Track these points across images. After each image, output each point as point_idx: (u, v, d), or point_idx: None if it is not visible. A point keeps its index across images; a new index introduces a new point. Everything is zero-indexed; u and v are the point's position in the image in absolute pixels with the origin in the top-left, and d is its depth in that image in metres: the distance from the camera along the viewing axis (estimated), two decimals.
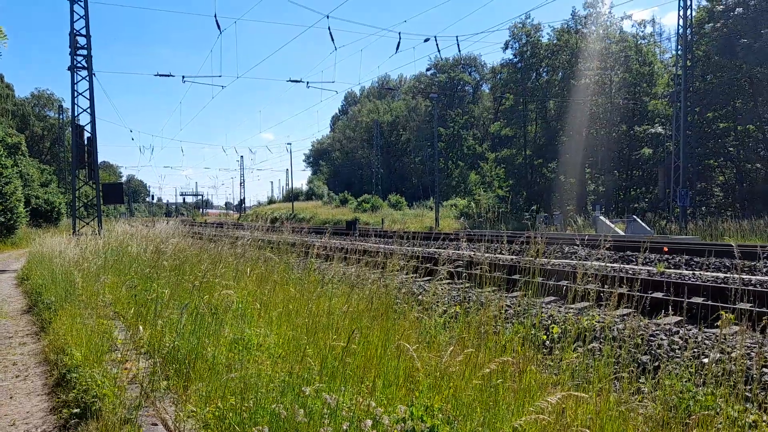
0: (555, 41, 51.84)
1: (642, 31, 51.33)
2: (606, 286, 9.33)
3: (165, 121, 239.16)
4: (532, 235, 7.16)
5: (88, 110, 25.90)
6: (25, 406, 5.35)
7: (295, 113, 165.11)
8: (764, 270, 13.32)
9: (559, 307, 9.09)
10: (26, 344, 7.81)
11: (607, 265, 14.21)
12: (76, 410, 4.73)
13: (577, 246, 18.81)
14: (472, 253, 15.55)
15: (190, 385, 4.62)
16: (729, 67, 37.46)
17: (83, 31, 25.33)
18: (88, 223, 27.34)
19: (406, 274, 7.61)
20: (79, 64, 25.48)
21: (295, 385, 3.90)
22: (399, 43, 31.60)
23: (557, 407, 3.98)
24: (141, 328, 5.29)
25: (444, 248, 19.40)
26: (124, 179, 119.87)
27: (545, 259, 15.13)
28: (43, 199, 42.12)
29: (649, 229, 29.24)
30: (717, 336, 6.95)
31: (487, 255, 12.44)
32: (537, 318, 6.22)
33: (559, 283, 10.15)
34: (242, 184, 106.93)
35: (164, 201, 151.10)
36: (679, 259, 15.48)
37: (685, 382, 4.81)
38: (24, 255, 20.45)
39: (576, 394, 3.50)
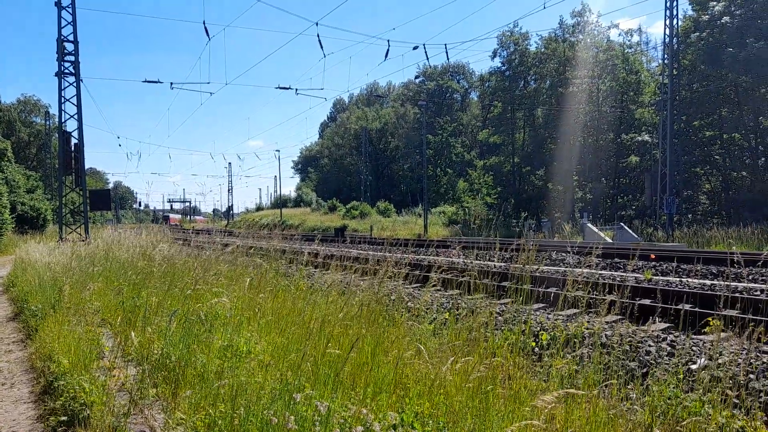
0: (543, 50, 52.19)
1: (629, 40, 51.87)
2: (594, 293, 9.38)
3: (153, 128, 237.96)
4: (522, 242, 7.20)
5: (75, 116, 25.80)
6: (12, 414, 5.30)
7: (284, 120, 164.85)
8: (750, 277, 13.44)
9: (548, 313, 9.12)
10: (12, 352, 7.74)
11: (596, 272, 14.28)
12: (63, 418, 4.69)
13: (566, 253, 18.89)
14: (462, 260, 15.59)
15: (180, 392, 4.60)
16: (715, 76, 37.84)
17: (71, 38, 25.24)
18: (74, 230, 27.17)
19: (396, 280, 7.62)
20: (66, 70, 25.38)
21: (286, 392, 3.89)
22: (388, 50, 31.73)
23: (547, 414, 3.99)
24: (133, 334, 5.26)
25: (434, 255, 19.44)
26: (110, 186, 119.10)
27: (534, 266, 15.19)
28: (29, 206, 41.76)
29: (636, 236, 29.42)
30: (705, 342, 7.00)
31: (476, 262, 12.48)
32: (527, 325, 6.24)
33: (548, 290, 10.20)
34: (230, 190, 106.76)
35: (151, 207, 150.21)
36: (667, 266, 15.58)
37: (673, 388, 4.84)
38: (9, 262, 20.27)
39: (572, 391, 3.51)
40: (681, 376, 5.30)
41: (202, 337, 5.48)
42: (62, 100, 25.53)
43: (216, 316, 6.05)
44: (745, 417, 4.57)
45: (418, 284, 12.30)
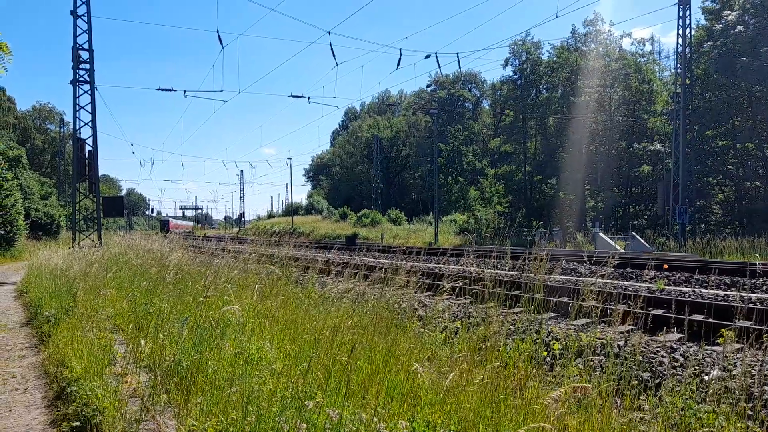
0: (555, 59, 52.12)
1: (641, 50, 51.71)
2: (607, 303, 9.32)
3: (166, 135, 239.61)
4: (535, 251, 7.17)
5: (90, 124, 26.00)
6: (25, 419, 5.33)
7: (296, 128, 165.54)
8: (764, 287, 13.31)
9: (561, 323, 9.08)
10: (25, 357, 7.78)
11: (608, 281, 14.20)
12: (75, 423, 4.71)
13: (578, 262, 18.80)
14: (473, 268, 15.56)
15: (191, 398, 4.61)
16: (728, 86, 37.64)
17: (86, 46, 25.49)
18: (88, 236, 27.34)
19: (409, 289, 7.61)
20: (81, 78, 25.60)
21: (297, 400, 3.89)
22: (400, 59, 31.77)
23: (559, 425, 3.97)
24: (143, 341, 5.28)
25: (445, 264, 19.41)
26: (124, 192, 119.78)
27: (546, 276, 15.11)
28: (43, 212, 42.12)
29: (648, 246, 29.24)
30: (718, 353, 6.94)
31: (488, 271, 12.44)
32: (540, 335, 6.21)
33: (560, 299, 10.15)
34: (242, 198, 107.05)
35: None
36: (679, 276, 15.47)
37: (687, 399, 4.80)
38: (23, 268, 20.42)
39: (579, 385, 3.48)
40: (694, 387, 5.26)
41: (214, 344, 5.49)
42: (77, 108, 25.73)
43: (228, 323, 6.07)
44: (759, 429, 4.53)
45: (430, 292, 12.29)
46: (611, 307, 7.50)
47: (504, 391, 4.27)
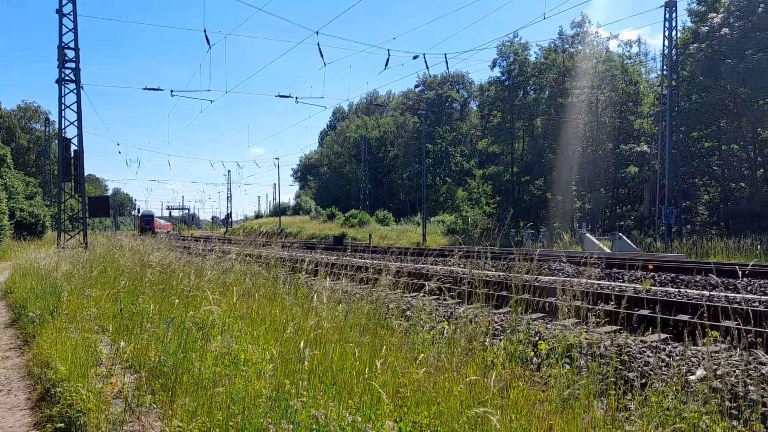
0: (542, 60, 52.31)
1: (628, 51, 52.01)
2: (593, 304, 9.36)
3: (153, 135, 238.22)
4: (522, 252, 7.19)
5: (75, 123, 25.80)
6: (8, 421, 5.28)
7: (284, 128, 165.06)
8: (749, 288, 13.43)
9: (547, 324, 9.11)
10: (9, 358, 7.71)
11: (594, 282, 14.26)
12: (60, 425, 4.67)
13: (564, 263, 18.88)
14: (461, 269, 15.58)
15: (176, 399, 4.58)
16: (714, 88, 37.88)
17: (72, 45, 25.30)
18: (73, 236, 27.15)
19: (396, 289, 7.60)
20: (67, 77, 25.41)
21: (283, 400, 3.88)
22: (388, 59, 31.74)
23: (545, 424, 3.98)
24: (123, 343, 5.25)
25: (433, 264, 19.42)
26: (110, 192, 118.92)
27: (533, 276, 15.15)
28: (28, 212, 41.73)
29: (635, 246, 29.42)
30: (703, 353, 6.99)
31: (475, 272, 12.46)
32: (524, 334, 6.22)
33: (547, 299, 10.18)
34: (229, 198, 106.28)
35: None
36: (665, 277, 15.57)
37: (672, 399, 4.82)
38: (7, 268, 20.21)
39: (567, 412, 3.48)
40: (679, 387, 5.29)
41: (198, 344, 5.46)
42: (62, 107, 25.54)
43: (213, 323, 6.04)
44: (743, 428, 4.56)
45: (417, 293, 12.28)
46: (598, 307, 7.55)
47: (489, 391, 4.28)
